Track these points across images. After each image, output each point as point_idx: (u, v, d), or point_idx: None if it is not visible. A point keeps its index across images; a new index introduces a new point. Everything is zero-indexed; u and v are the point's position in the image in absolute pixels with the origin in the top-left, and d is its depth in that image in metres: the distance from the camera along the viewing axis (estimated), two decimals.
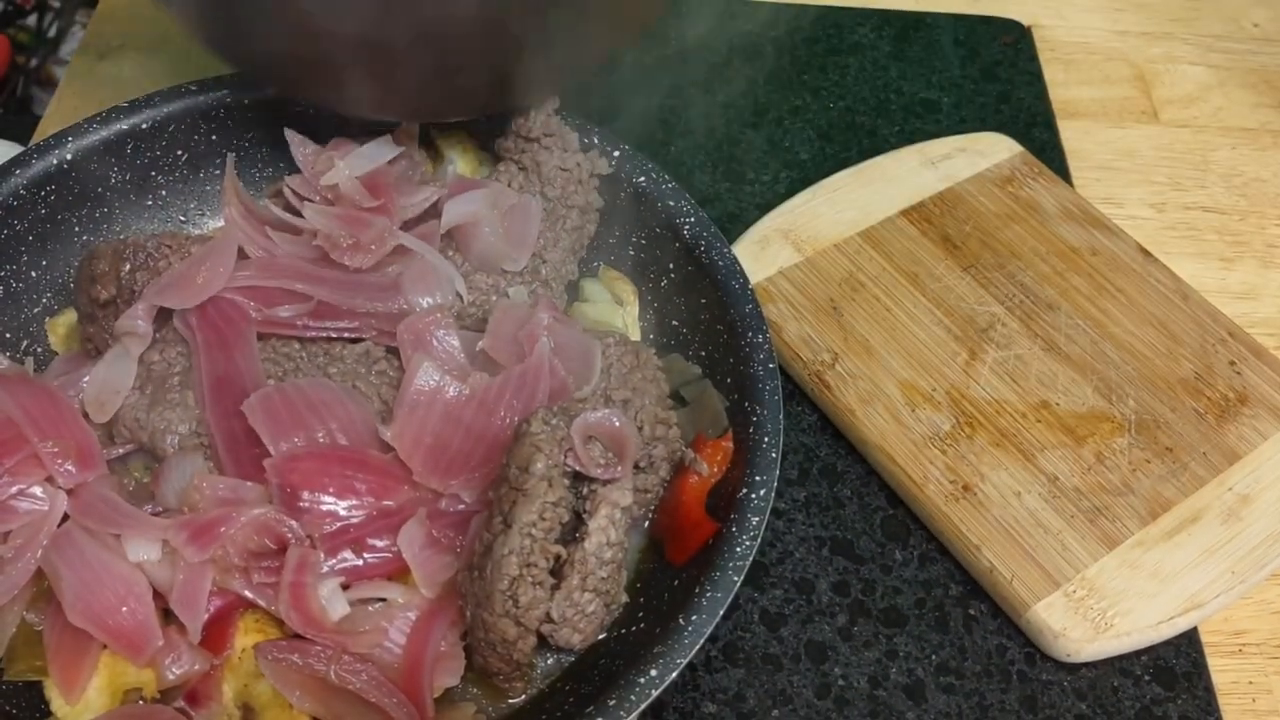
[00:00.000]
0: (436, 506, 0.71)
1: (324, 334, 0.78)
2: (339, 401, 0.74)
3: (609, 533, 0.67)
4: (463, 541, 0.69)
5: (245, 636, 0.69)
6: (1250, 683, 0.78)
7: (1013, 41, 1.21)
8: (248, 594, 0.69)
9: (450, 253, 0.82)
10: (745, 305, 0.80)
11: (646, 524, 0.76)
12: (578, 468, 0.68)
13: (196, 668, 0.67)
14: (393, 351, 0.78)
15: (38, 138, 1.04)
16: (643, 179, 0.87)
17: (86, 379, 0.75)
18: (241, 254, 0.80)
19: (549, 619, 0.66)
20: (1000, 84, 1.17)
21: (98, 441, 0.73)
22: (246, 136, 0.90)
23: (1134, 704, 0.76)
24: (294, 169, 0.84)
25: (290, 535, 0.69)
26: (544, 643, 0.67)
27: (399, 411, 0.73)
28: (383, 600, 0.69)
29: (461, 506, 0.71)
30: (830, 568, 0.81)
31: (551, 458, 0.65)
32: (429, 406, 0.73)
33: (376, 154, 0.83)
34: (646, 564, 0.75)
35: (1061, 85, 1.18)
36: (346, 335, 0.78)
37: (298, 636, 0.67)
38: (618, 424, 0.70)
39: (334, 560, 0.69)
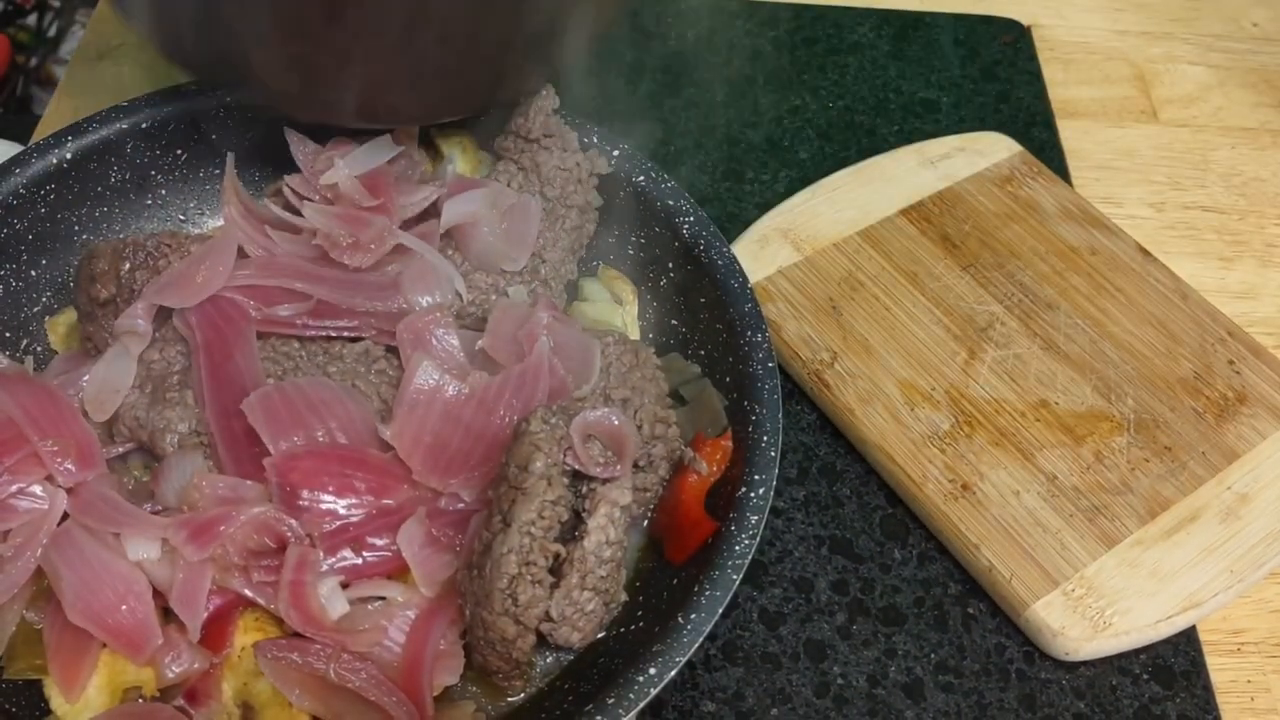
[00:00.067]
0: (436, 505, 0.71)
1: (323, 333, 0.78)
2: (338, 400, 0.74)
3: (608, 531, 0.67)
4: (462, 540, 0.69)
5: (245, 635, 0.69)
6: (1249, 681, 0.78)
7: (1012, 41, 1.21)
8: (247, 592, 0.69)
9: (450, 252, 0.82)
10: (744, 304, 0.80)
11: (646, 523, 0.76)
12: (577, 466, 0.68)
13: (196, 666, 0.67)
14: (392, 350, 0.78)
15: (38, 137, 1.04)
16: (642, 178, 0.87)
17: (86, 378, 0.75)
18: (241, 253, 0.80)
19: (548, 617, 0.66)
20: (1000, 83, 1.17)
21: (97, 440, 0.73)
22: (246, 136, 0.90)
23: (1132, 702, 0.76)
24: (294, 168, 0.84)
25: (290, 534, 0.69)
26: (543, 641, 0.67)
27: (398, 410, 0.73)
28: (382, 599, 0.69)
29: (461, 505, 0.71)
30: (829, 566, 0.81)
31: (551, 456, 0.65)
32: (428, 405, 0.73)
33: (376, 153, 0.83)
34: (646, 563, 0.75)
35: (1061, 85, 1.18)
36: (346, 334, 0.78)
37: (297, 635, 0.67)
38: (617, 423, 0.70)
39: (333, 559, 0.69)
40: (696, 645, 0.64)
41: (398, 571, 0.70)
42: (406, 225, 0.82)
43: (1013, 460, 0.83)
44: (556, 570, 0.66)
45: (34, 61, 1.41)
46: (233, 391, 0.73)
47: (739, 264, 0.82)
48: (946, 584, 0.81)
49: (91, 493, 0.71)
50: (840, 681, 0.76)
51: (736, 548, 0.68)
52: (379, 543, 0.70)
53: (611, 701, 0.62)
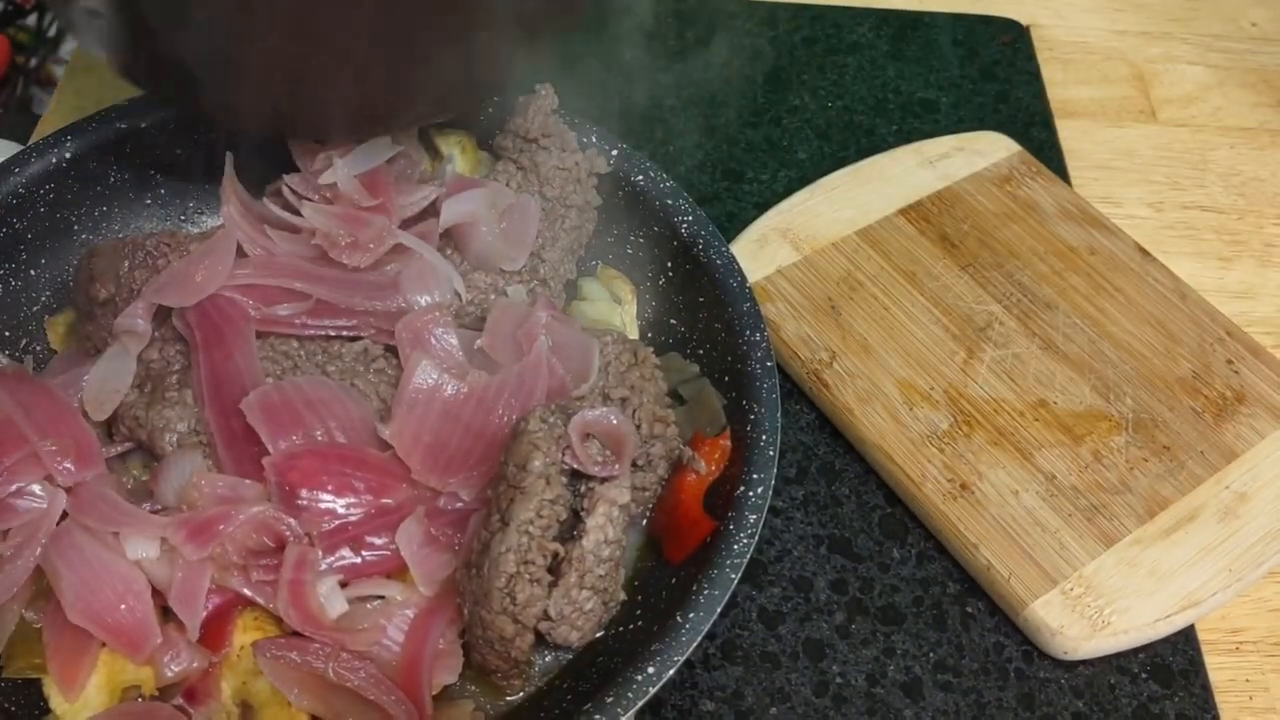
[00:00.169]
0: (435, 504, 0.71)
1: (322, 332, 0.78)
2: (337, 400, 0.74)
3: (607, 530, 0.67)
4: (461, 539, 0.69)
5: (244, 634, 0.69)
6: (1247, 680, 0.78)
7: (1011, 41, 1.22)
8: (246, 592, 0.69)
9: (448, 251, 0.82)
10: (743, 304, 0.80)
11: (644, 522, 0.76)
12: (576, 466, 0.68)
13: (195, 665, 0.67)
14: (391, 350, 0.78)
15: (38, 137, 1.04)
16: (641, 178, 0.87)
17: (86, 378, 0.75)
18: (240, 252, 0.80)
19: (547, 616, 0.66)
20: (998, 83, 1.17)
21: (97, 440, 0.73)
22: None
23: (1131, 701, 0.76)
24: (293, 168, 0.84)
25: (289, 533, 0.69)
26: (542, 640, 0.67)
27: (397, 410, 0.73)
28: (381, 598, 0.69)
29: (460, 504, 0.71)
30: (828, 566, 0.81)
31: (549, 455, 0.65)
32: (427, 405, 0.73)
33: (375, 153, 0.83)
34: (644, 562, 0.75)
35: (1060, 85, 1.18)
36: (345, 334, 0.78)
37: (296, 634, 0.67)
38: (615, 422, 0.70)
39: (332, 558, 0.69)
40: (695, 644, 0.64)
41: (397, 570, 0.70)
42: (405, 225, 0.82)
43: (1011, 460, 0.83)
44: (555, 569, 0.67)
45: (34, 61, 1.41)
46: (232, 391, 0.73)
47: (738, 263, 0.82)
48: (945, 583, 0.81)
49: (91, 492, 0.71)
50: (839, 680, 0.76)
51: (735, 547, 0.68)
52: (378, 542, 0.70)
53: (610, 700, 0.62)
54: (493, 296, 0.82)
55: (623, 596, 0.70)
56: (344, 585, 0.69)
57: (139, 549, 0.69)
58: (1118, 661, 0.77)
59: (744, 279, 0.81)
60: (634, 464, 0.73)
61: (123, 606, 0.67)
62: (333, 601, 0.68)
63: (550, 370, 0.75)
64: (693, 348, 0.83)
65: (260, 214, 0.83)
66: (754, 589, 0.80)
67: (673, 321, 0.86)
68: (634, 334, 0.86)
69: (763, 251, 0.96)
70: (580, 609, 0.67)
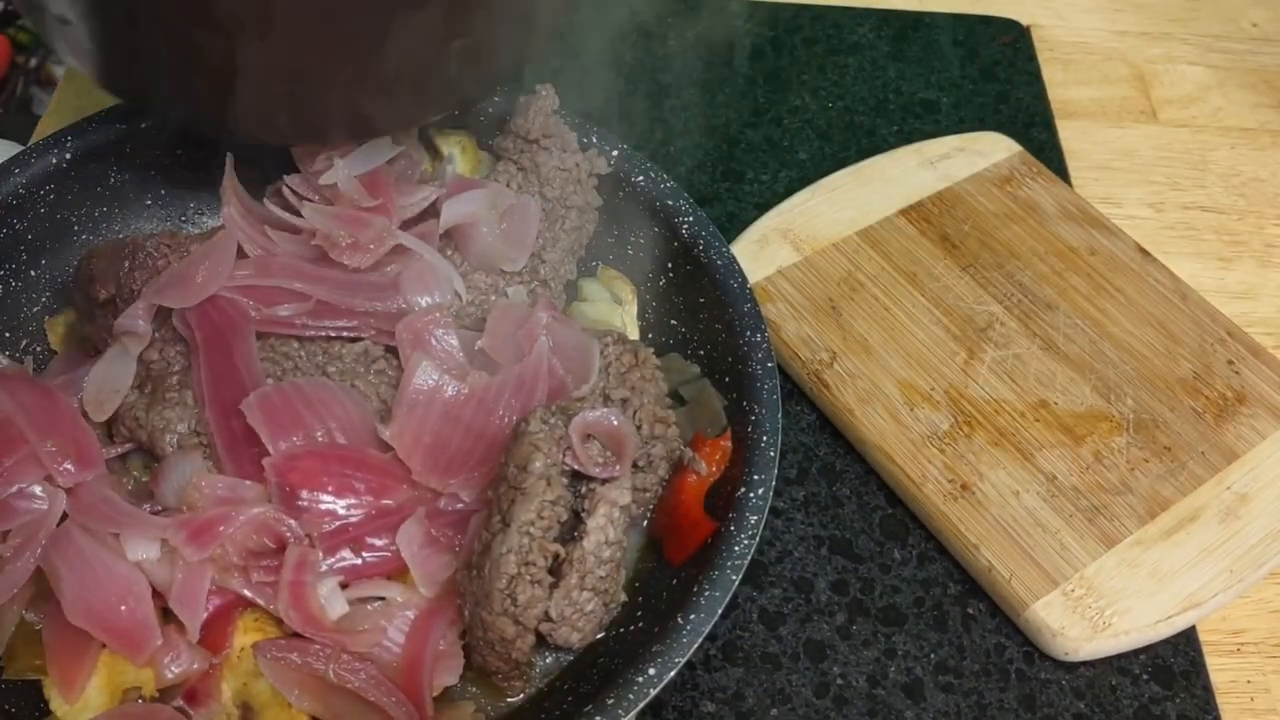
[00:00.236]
0: (435, 505, 0.71)
1: (323, 333, 0.78)
2: (338, 401, 0.74)
3: (607, 531, 0.67)
4: (461, 540, 0.69)
5: (244, 635, 0.69)
6: (1248, 681, 0.78)
7: (1011, 41, 1.21)
8: (247, 593, 0.69)
9: (449, 252, 0.82)
10: (744, 304, 0.80)
11: (645, 523, 0.76)
12: (576, 466, 0.68)
13: (195, 667, 0.67)
14: (391, 351, 0.78)
15: (38, 137, 1.04)
16: (641, 178, 0.87)
17: (86, 378, 0.75)
18: (241, 253, 0.80)
19: (547, 617, 0.66)
20: (999, 84, 1.17)
21: (97, 441, 0.73)
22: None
23: (1132, 703, 0.76)
24: (293, 169, 0.84)
25: (289, 534, 0.69)
26: (543, 641, 0.67)
27: (398, 411, 0.73)
28: (382, 599, 0.69)
29: (460, 505, 0.71)
30: (829, 567, 0.81)
31: (550, 456, 0.65)
32: (428, 406, 0.73)
33: (375, 153, 0.83)
34: (645, 563, 0.75)
35: (1060, 85, 1.18)
36: (345, 334, 0.78)
37: (297, 635, 0.67)
38: (616, 423, 0.70)
39: (333, 559, 0.69)
40: (696, 645, 0.64)
41: (397, 572, 0.70)
42: (406, 225, 0.82)
43: (1012, 460, 0.83)
44: (556, 570, 0.66)
45: (34, 61, 1.41)
46: (232, 392, 0.73)
47: (738, 264, 0.82)
48: (946, 584, 0.81)
49: (91, 493, 0.71)
50: (840, 682, 0.76)
51: (736, 548, 0.68)
52: (378, 543, 0.70)
53: (611, 702, 0.62)
54: (493, 297, 0.82)
55: (623, 598, 0.70)
56: (344, 586, 0.69)
57: (139, 550, 0.69)
58: (1119, 663, 0.77)
59: (744, 279, 0.81)
60: (635, 465, 0.73)
61: (123, 608, 0.67)
62: (333, 603, 0.68)
63: (551, 371, 0.74)
64: (693, 348, 0.83)
65: (260, 215, 0.83)
66: (755, 590, 0.80)
67: (673, 322, 0.86)
68: (634, 335, 0.86)
69: (763, 252, 0.96)
70: (581, 610, 0.67)
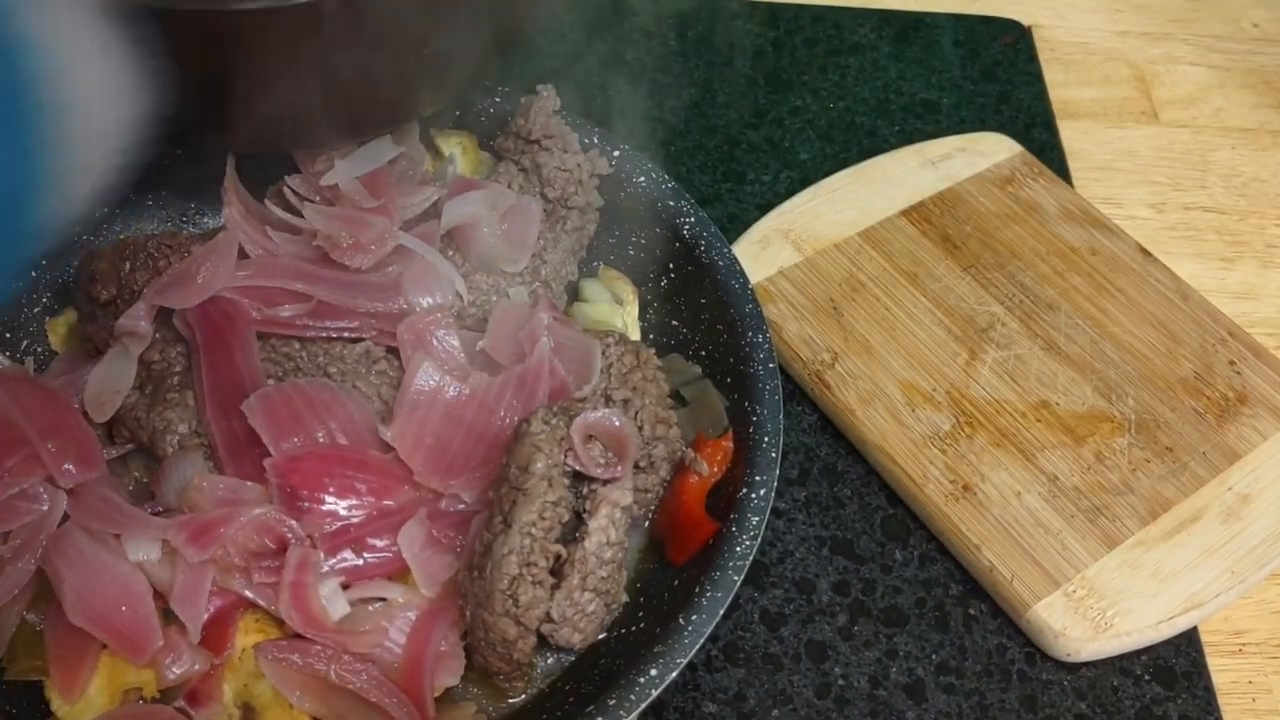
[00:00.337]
0: (437, 506, 0.71)
1: (324, 334, 0.78)
2: (339, 401, 0.74)
3: (609, 532, 0.67)
4: (463, 541, 0.69)
5: (245, 636, 0.69)
6: (1250, 682, 0.78)
7: (1012, 42, 1.21)
8: (248, 594, 0.69)
9: (450, 253, 0.82)
10: (745, 305, 0.80)
11: (647, 524, 0.76)
12: (578, 467, 0.68)
13: (196, 667, 0.67)
14: (393, 351, 0.78)
15: None
16: (642, 179, 0.87)
17: (87, 379, 0.75)
18: (241, 254, 0.80)
19: (549, 618, 0.66)
20: (1000, 84, 1.17)
21: (98, 441, 0.73)
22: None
23: (1134, 703, 0.76)
24: (294, 169, 0.84)
25: (290, 535, 0.69)
26: (544, 642, 0.67)
27: (399, 411, 0.73)
28: (383, 600, 0.69)
29: (462, 506, 0.71)
30: (830, 567, 0.81)
31: (551, 457, 0.65)
32: (429, 406, 0.73)
33: (376, 154, 0.83)
34: (647, 564, 0.75)
35: (1061, 85, 1.18)
36: (346, 335, 0.78)
37: (298, 636, 0.67)
38: (618, 424, 0.70)
39: (334, 560, 0.69)
40: (698, 646, 0.64)
41: (398, 573, 0.70)
42: (407, 226, 0.82)
43: (1014, 461, 0.83)
44: (557, 571, 0.66)
45: None
46: (233, 392, 0.73)
47: (740, 265, 0.82)
48: (948, 585, 0.81)
49: (92, 494, 0.71)
50: (841, 682, 0.76)
51: (738, 549, 0.68)
52: (380, 544, 0.70)
53: (613, 703, 0.62)
54: (494, 298, 0.81)
55: (625, 598, 0.70)
56: (346, 587, 0.69)
57: (140, 551, 0.69)
58: (1120, 663, 0.77)
59: (746, 280, 0.81)
60: (636, 466, 0.73)
61: (124, 608, 0.67)
62: (334, 603, 0.68)
63: (552, 372, 0.74)
64: (695, 349, 0.83)
65: (261, 215, 0.83)
66: (756, 591, 0.80)
67: (675, 323, 0.86)
68: (636, 335, 0.86)
69: (764, 252, 0.96)
70: (583, 611, 0.67)
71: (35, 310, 0.85)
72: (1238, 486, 0.83)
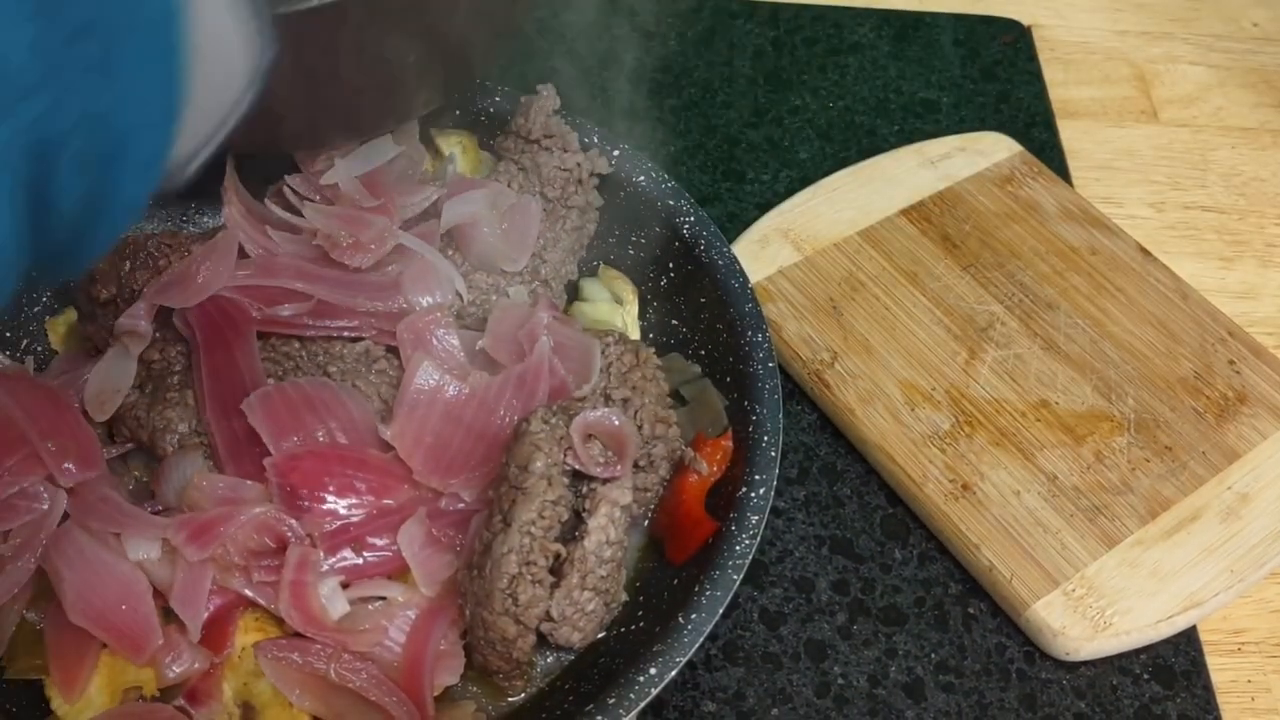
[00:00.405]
0: (436, 505, 0.71)
1: (324, 333, 0.78)
2: (339, 401, 0.74)
3: (609, 531, 0.67)
4: (463, 540, 0.69)
5: (245, 635, 0.69)
6: (1249, 681, 0.78)
7: (1012, 41, 1.21)
8: (248, 593, 0.69)
9: (450, 252, 0.82)
10: (745, 304, 0.80)
11: (646, 523, 0.76)
12: (577, 466, 0.68)
13: (196, 666, 0.67)
14: (393, 351, 0.78)
15: None
16: (642, 178, 0.87)
17: (86, 378, 0.75)
18: (241, 253, 0.80)
19: (549, 617, 0.66)
20: (1000, 84, 1.17)
21: (98, 440, 0.73)
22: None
23: (1133, 702, 0.76)
24: (294, 168, 0.84)
25: (290, 534, 0.69)
26: (544, 641, 0.67)
27: (399, 411, 0.73)
28: (383, 599, 0.69)
29: (461, 505, 0.71)
30: (830, 566, 0.81)
31: (551, 456, 0.65)
32: (429, 405, 0.73)
33: (376, 153, 0.83)
34: (646, 563, 0.75)
35: (1061, 85, 1.18)
36: (346, 334, 0.78)
37: (298, 635, 0.67)
38: (617, 423, 0.70)
39: (334, 559, 0.69)
40: (697, 645, 0.64)
41: (398, 571, 0.70)
42: (407, 225, 0.82)
43: (1013, 460, 0.83)
44: (557, 570, 0.66)
45: None
46: (233, 392, 0.73)
47: (739, 264, 0.82)
48: (947, 584, 0.81)
49: (92, 493, 0.71)
50: (841, 681, 0.76)
51: (737, 548, 0.68)
52: (379, 543, 0.70)
53: (612, 701, 0.62)
54: (494, 297, 0.82)
55: (624, 597, 0.70)
56: (345, 586, 0.69)
57: (140, 550, 0.69)
58: (1120, 662, 0.77)
59: (745, 279, 0.81)
60: (636, 465, 0.73)
61: (124, 607, 0.67)
62: (334, 602, 0.68)
63: (552, 371, 0.74)
64: (694, 348, 0.83)
65: (261, 214, 0.83)
66: (755, 590, 0.80)
67: (674, 322, 0.86)
68: (635, 335, 0.86)
69: (764, 252, 0.96)
70: (582, 610, 0.67)
71: (35, 310, 0.85)
72: (1237, 486, 0.83)
